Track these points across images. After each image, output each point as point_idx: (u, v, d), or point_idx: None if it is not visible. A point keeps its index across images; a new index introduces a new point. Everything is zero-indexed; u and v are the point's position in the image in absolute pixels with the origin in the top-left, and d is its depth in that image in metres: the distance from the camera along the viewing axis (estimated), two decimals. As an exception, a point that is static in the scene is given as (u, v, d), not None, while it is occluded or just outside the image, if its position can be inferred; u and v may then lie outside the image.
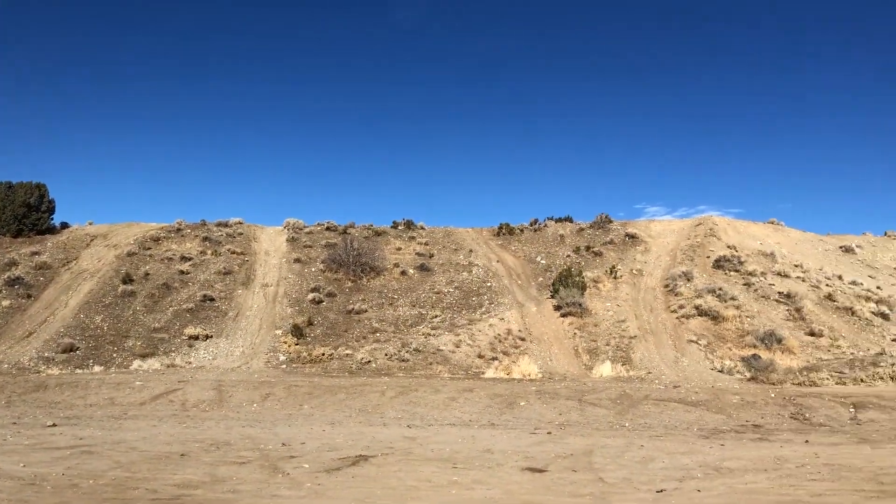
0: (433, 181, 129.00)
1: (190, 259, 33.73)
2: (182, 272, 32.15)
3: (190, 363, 24.47)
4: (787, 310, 26.76)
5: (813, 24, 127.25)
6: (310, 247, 35.87)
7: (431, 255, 34.83)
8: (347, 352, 25.06)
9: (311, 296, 29.70)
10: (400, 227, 39.79)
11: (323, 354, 24.79)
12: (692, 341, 24.66)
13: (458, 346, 25.02)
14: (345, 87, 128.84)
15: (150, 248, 35.06)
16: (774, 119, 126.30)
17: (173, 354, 25.15)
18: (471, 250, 35.76)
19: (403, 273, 32.47)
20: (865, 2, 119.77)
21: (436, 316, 27.90)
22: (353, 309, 28.74)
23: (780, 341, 23.48)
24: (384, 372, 23.09)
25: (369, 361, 24.09)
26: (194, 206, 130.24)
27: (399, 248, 35.80)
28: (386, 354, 24.57)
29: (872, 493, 9.09)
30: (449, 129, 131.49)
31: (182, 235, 37.35)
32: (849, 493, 9.16)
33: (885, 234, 48.20)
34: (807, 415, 16.18)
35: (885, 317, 26.94)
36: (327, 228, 39.32)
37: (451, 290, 30.68)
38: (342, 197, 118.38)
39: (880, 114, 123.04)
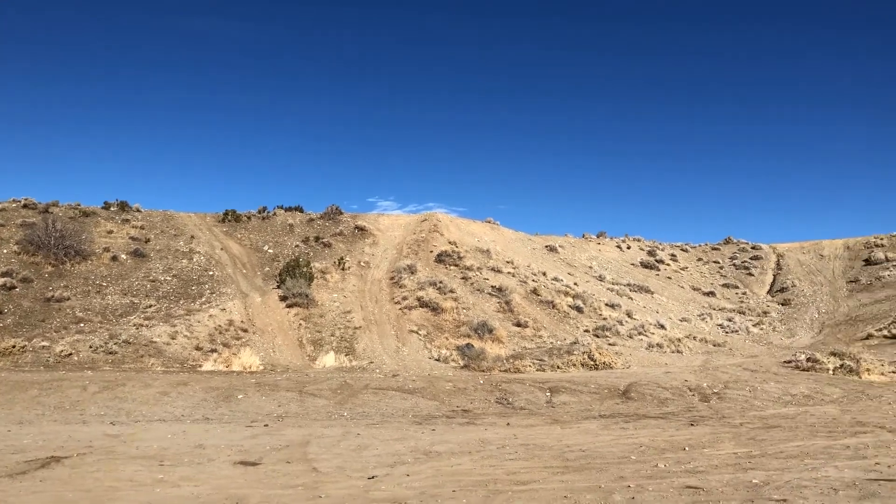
0: (153, 160, 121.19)
1: None
2: None
3: None
4: (499, 302, 28.81)
5: (526, 33, 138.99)
6: (2, 226, 31.73)
7: (148, 240, 32.52)
8: (44, 343, 22.52)
9: (1, 281, 26.27)
10: (112, 209, 36.62)
11: (14, 346, 22.02)
12: (413, 331, 25.61)
13: (173, 338, 23.60)
14: (54, 57, 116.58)
15: None
16: (498, 127, 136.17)
17: None
18: (192, 236, 33.97)
19: (115, 258, 29.94)
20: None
21: (150, 305, 26.08)
22: (53, 296, 25.89)
23: (491, 331, 25.19)
24: (88, 366, 21.08)
25: (70, 354, 21.85)
26: None
27: (111, 232, 32.94)
28: (91, 346, 22.46)
29: (559, 469, 10.00)
30: (178, 112, 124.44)
31: None
32: (539, 469, 9.99)
33: (584, 236, 53.96)
34: (510, 399, 17.49)
35: (579, 310, 30.07)
36: (24, 206, 35.00)
37: (168, 278, 28.88)
38: (45, 172, 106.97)
39: (586, 128, 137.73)
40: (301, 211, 40.47)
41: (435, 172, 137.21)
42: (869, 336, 31.40)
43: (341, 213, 39.44)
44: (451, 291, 28.74)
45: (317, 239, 35.13)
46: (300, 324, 26.14)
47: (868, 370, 21.70)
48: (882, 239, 56.77)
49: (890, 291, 42.41)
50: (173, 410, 15.98)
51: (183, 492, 8.84)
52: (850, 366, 22.06)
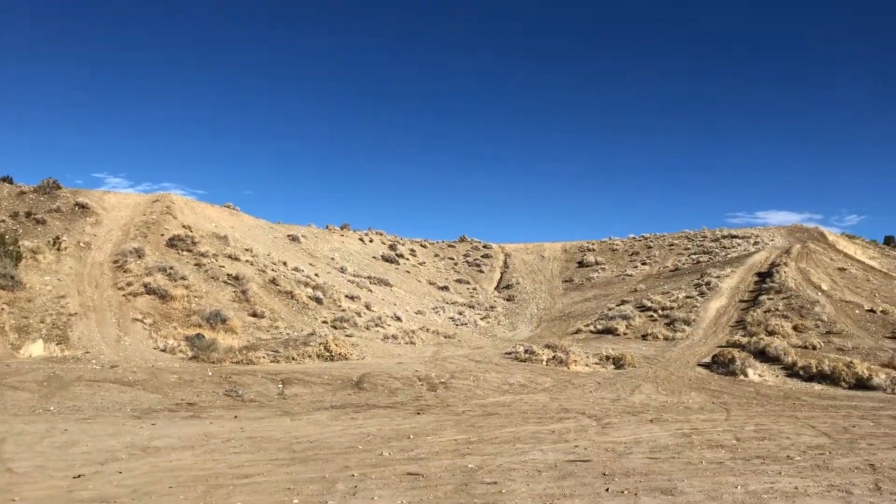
0: None
1: None
2: None
3: None
4: (235, 291, 27.84)
5: (266, 22, 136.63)
6: None
7: None
8: None
9: None
10: None
11: None
12: (137, 320, 23.86)
13: None
14: None
15: None
16: (245, 110, 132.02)
17: None
18: None
19: None
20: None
21: None
22: None
23: (224, 321, 24.25)
24: None
25: None
26: None
27: None
28: None
29: (285, 461, 9.83)
30: None
31: None
32: (265, 462, 9.75)
33: (327, 227, 54.05)
34: (240, 391, 16.93)
35: (319, 301, 29.99)
36: None
37: None
38: None
39: (335, 119, 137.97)
40: (10, 182, 35.99)
41: (174, 151, 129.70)
42: (578, 331, 34.82)
43: (60, 188, 35.67)
44: (183, 278, 27.22)
45: (28, 215, 31.45)
46: (3, 308, 23.21)
47: (575, 361, 24.04)
48: (594, 244, 63.40)
49: (598, 291, 47.43)
50: None
51: None
52: (561, 357, 24.29)
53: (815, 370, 22.29)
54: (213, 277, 28.61)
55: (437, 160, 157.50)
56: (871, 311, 32.48)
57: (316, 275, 35.43)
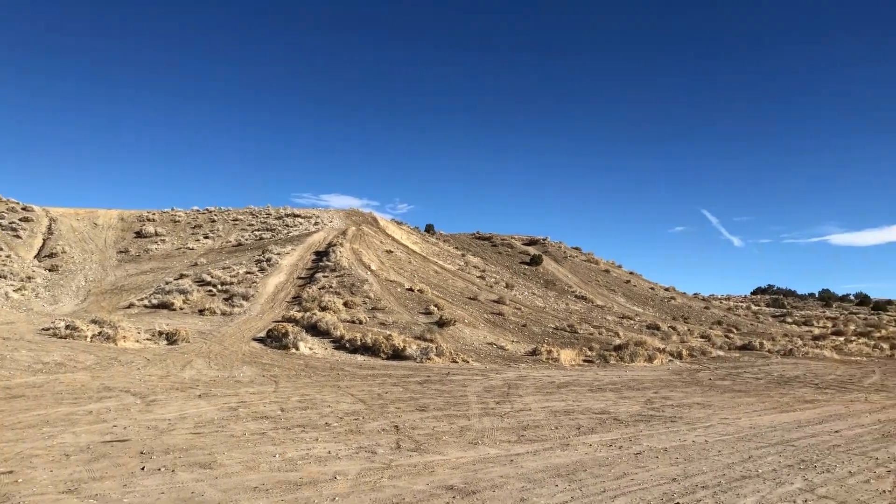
0: None
1: None
2: None
3: None
4: None
5: None
6: None
7: None
8: None
9: None
10: None
11: None
12: None
13: None
14: None
15: None
16: None
17: None
18: None
19: None
20: None
21: None
22: None
23: None
24: None
25: None
26: None
27: None
28: None
29: None
30: None
31: None
32: None
33: None
34: None
35: None
36: None
37: None
38: None
39: None
40: None
41: None
42: (131, 305, 32.73)
43: None
44: None
45: None
46: None
47: (125, 337, 22.46)
48: (154, 214, 60.40)
49: (155, 264, 45.22)
50: None
51: None
52: (109, 333, 22.48)
53: (359, 343, 24.15)
54: None
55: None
56: (410, 289, 36.48)
57: None
